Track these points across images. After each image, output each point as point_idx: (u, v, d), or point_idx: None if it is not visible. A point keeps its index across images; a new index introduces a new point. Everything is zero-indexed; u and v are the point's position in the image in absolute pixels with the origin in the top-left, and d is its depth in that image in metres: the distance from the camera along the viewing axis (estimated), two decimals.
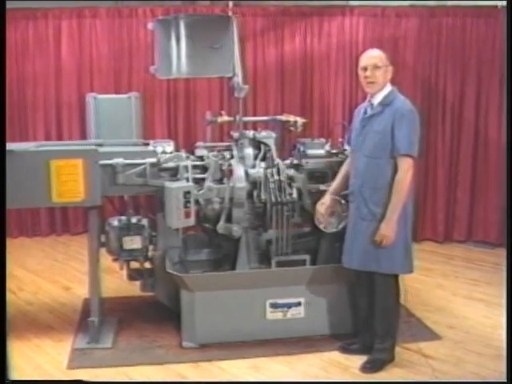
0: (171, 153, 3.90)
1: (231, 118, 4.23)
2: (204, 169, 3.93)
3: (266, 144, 4.05)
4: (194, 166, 3.89)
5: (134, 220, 3.96)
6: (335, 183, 3.79)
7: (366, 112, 3.55)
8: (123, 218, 3.96)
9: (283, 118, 4.35)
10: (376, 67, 3.43)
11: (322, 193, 3.89)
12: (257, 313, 3.88)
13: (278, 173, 3.90)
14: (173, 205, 3.59)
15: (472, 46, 6.35)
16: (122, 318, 4.29)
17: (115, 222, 3.95)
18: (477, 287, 5.07)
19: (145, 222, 4.00)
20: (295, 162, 4.08)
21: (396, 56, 6.22)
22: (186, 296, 3.82)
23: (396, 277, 3.55)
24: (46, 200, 3.65)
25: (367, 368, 3.57)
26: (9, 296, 4.36)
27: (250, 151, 4.04)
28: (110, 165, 3.71)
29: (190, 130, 6.57)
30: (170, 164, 3.82)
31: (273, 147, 4.03)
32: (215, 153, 4.05)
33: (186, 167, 3.81)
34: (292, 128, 4.28)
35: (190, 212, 3.65)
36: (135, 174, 3.75)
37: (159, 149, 3.90)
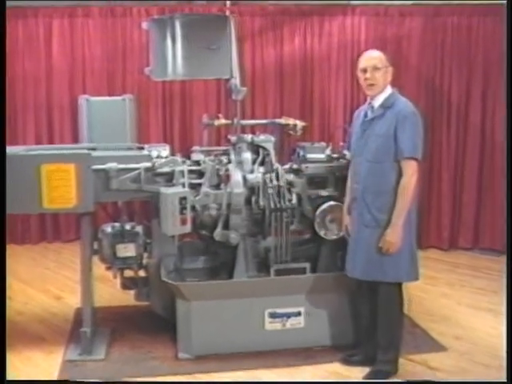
0: (167, 157, 3.91)
1: (229, 122, 4.25)
2: (200, 174, 3.94)
3: (264, 148, 4.06)
4: (191, 171, 3.89)
5: (127, 227, 3.97)
6: (347, 199, 3.73)
7: (366, 115, 3.56)
8: (117, 224, 3.97)
9: (282, 121, 4.36)
10: (376, 69, 3.44)
11: (323, 199, 3.91)
12: (255, 323, 3.88)
13: (277, 178, 3.91)
14: (168, 211, 3.61)
15: (478, 45, 6.39)
16: (116, 328, 4.29)
17: (108, 229, 3.97)
18: (483, 296, 5.09)
19: (139, 228, 4.01)
20: (295, 166, 4.09)
21: (399, 56, 6.27)
22: (181, 305, 3.83)
23: (400, 285, 3.56)
24: (36, 206, 3.65)
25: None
26: None
27: (248, 156, 4.05)
28: (104, 170, 3.72)
29: (186, 134, 6.60)
30: (166, 169, 3.83)
31: (272, 151, 4.05)
32: (212, 157, 4.06)
33: (181, 172, 3.82)
34: (291, 131, 4.30)
35: (186, 218, 3.66)
36: (129, 179, 3.76)
37: (154, 153, 3.91)
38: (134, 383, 3.54)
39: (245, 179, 3.92)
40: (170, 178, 3.84)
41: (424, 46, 6.43)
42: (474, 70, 6.40)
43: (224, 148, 4.25)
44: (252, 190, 3.91)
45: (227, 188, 3.88)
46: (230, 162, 4.01)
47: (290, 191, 3.94)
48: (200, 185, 3.90)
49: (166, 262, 4.01)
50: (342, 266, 3.80)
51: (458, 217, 6.56)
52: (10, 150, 3.72)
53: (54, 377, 3.64)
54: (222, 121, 4.32)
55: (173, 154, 4.10)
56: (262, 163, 4.04)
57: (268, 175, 3.93)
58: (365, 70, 3.47)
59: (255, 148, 4.09)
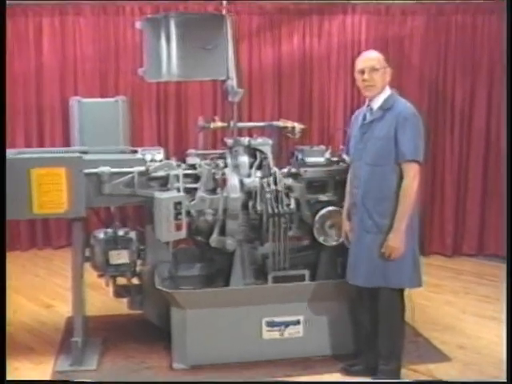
0: (161, 161, 3.93)
1: (225, 124, 4.26)
2: (196, 178, 3.96)
3: (261, 151, 4.08)
4: (186, 175, 3.91)
5: (120, 233, 3.98)
6: (346, 205, 3.76)
7: (364, 118, 3.58)
8: (109, 230, 3.98)
9: (280, 123, 4.38)
10: (374, 70, 3.46)
11: (322, 204, 3.93)
12: (252, 332, 3.89)
13: (275, 182, 3.92)
14: (163, 216, 3.62)
15: (484, 45, 6.42)
16: (108, 337, 4.29)
17: (101, 235, 3.97)
18: (488, 304, 5.10)
19: (132, 234, 4.02)
20: (293, 170, 4.10)
21: (401, 57, 6.30)
22: (176, 314, 3.84)
23: (402, 292, 3.57)
24: (26, 211, 3.66)
25: None
26: None
27: (245, 159, 4.07)
28: (96, 174, 3.74)
29: (181, 137, 6.61)
30: (160, 173, 3.85)
31: (269, 155, 4.06)
32: (208, 161, 4.07)
33: (176, 176, 3.84)
34: (290, 134, 4.31)
35: (181, 224, 3.67)
36: (122, 183, 3.78)
37: (148, 157, 3.93)
38: (134, 383, 3.53)
39: (242, 183, 3.93)
40: (164, 183, 3.85)
41: (427, 46, 6.45)
42: (478, 70, 6.42)
43: (220, 151, 4.27)
44: (249, 194, 3.92)
45: (223, 192, 3.89)
46: (226, 165, 4.02)
47: (288, 196, 3.95)
48: (195, 189, 3.91)
49: (160, 269, 4.01)
50: (342, 273, 3.82)
51: (462, 222, 6.58)
52: None
53: None
54: (218, 123, 4.34)
55: (167, 157, 4.11)
56: (260, 167, 4.05)
57: (265, 179, 3.93)
58: (362, 72, 3.49)
59: (252, 151, 4.10)
